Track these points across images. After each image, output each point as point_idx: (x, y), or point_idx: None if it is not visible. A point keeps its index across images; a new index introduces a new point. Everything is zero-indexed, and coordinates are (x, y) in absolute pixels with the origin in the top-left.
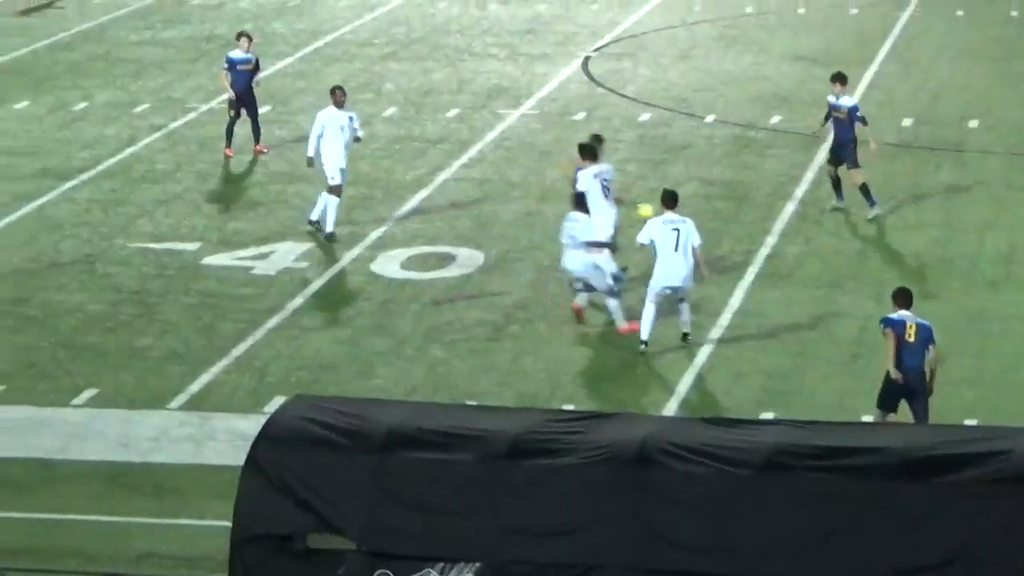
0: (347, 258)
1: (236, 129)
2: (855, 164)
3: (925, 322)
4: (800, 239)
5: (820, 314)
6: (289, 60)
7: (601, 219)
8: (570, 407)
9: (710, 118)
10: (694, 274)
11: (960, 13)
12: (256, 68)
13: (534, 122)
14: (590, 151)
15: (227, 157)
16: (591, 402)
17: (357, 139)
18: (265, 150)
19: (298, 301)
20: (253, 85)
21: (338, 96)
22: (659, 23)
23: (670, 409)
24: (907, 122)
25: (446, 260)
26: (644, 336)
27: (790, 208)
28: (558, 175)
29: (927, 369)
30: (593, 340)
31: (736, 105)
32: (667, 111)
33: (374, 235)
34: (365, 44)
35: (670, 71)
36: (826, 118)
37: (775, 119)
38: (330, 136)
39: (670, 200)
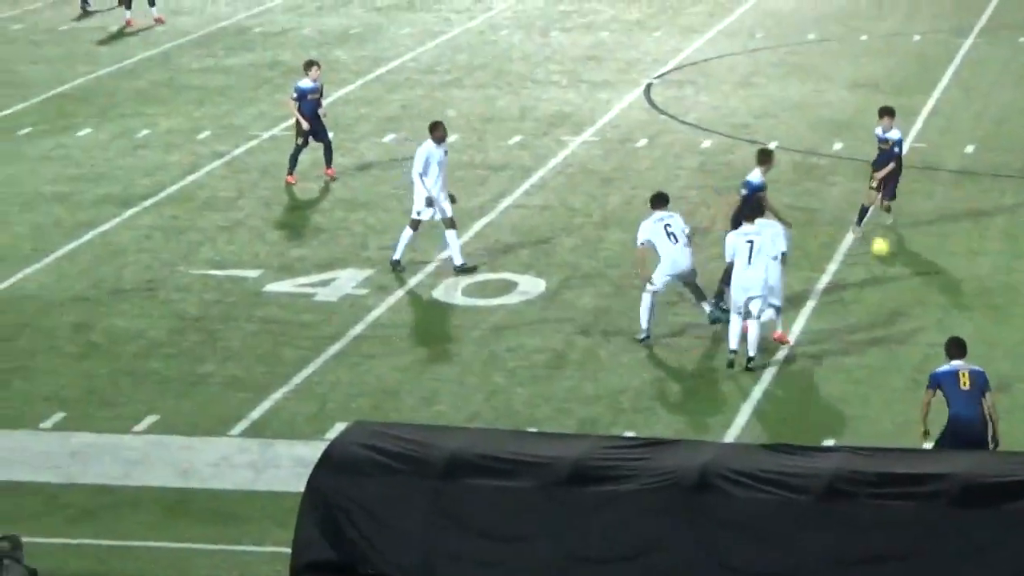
0: (409, 285)
1: (300, 157)
2: (890, 194)
3: (978, 368)
4: (862, 265)
5: (883, 340)
6: (351, 87)
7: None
8: (631, 434)
9: (772, 145)
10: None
11: (1023, 40)
12: (321, 96)
13: (596, 148)
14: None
15: (288, 184)
16: (652, 429)
17: None
18: (335, 175)
19: (360, 328)
20: (321, 114)
21: (440, 132)
22: (721, 50)
23: (731, 436)
24: (970, 148)
25: (508, 287)
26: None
27: (851, 235)
28: (620, 201)
29: (989, 417)
30: (654, 366)
31: (798, 132)
32: (729, 138)
33: (437, 261)
34: (427, 71)
35: (732, 98)
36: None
37: (837, 146)
38: (431, 172)
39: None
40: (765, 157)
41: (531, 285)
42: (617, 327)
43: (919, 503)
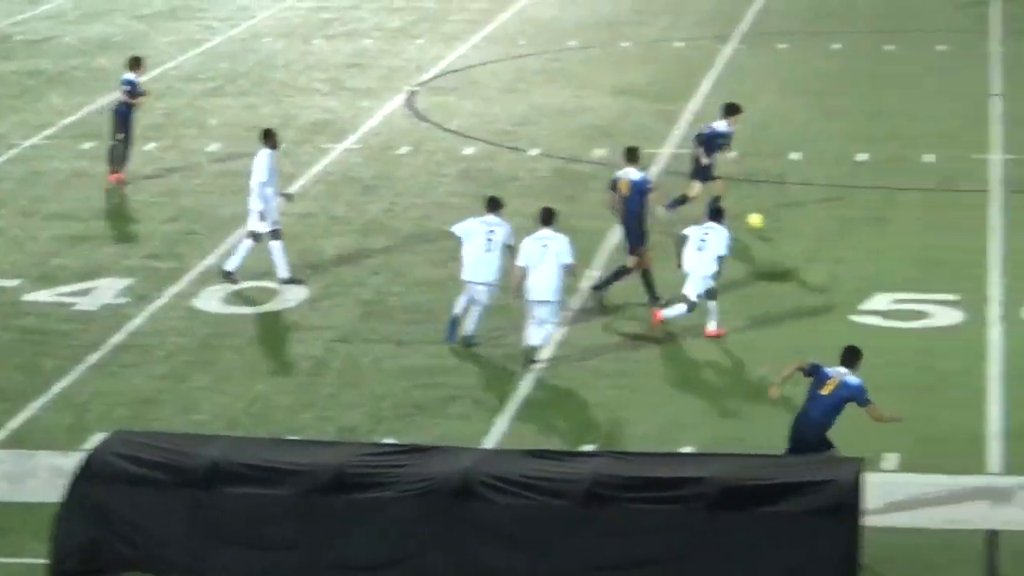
0: (169, 293)
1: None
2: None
3: (856, 383)
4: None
5: (644, 344)
6: (114, 95)
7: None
8: (392, 441)
9: (534, 151)
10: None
11: (782, 47)
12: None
13: (357, 156)
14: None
15: (117, 183)
16: (412, 435)
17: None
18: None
19: (119, 337)
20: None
21: (273, 140)
22: (483, 57)
23: (492, 442)
24: (731, 154)
25: (269, 295)
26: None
27: (613, 240)
28: (381, 209)
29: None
30: (414, 373)
31: (560, 138)
32: (491, 145)
33: (197, 270)
34: (190, 79)
35: (494, 105)
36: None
37: (598, 152)
38: (272, 182)
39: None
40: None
41: (292, 293)
42: (378, 334)
43: (678, 507)
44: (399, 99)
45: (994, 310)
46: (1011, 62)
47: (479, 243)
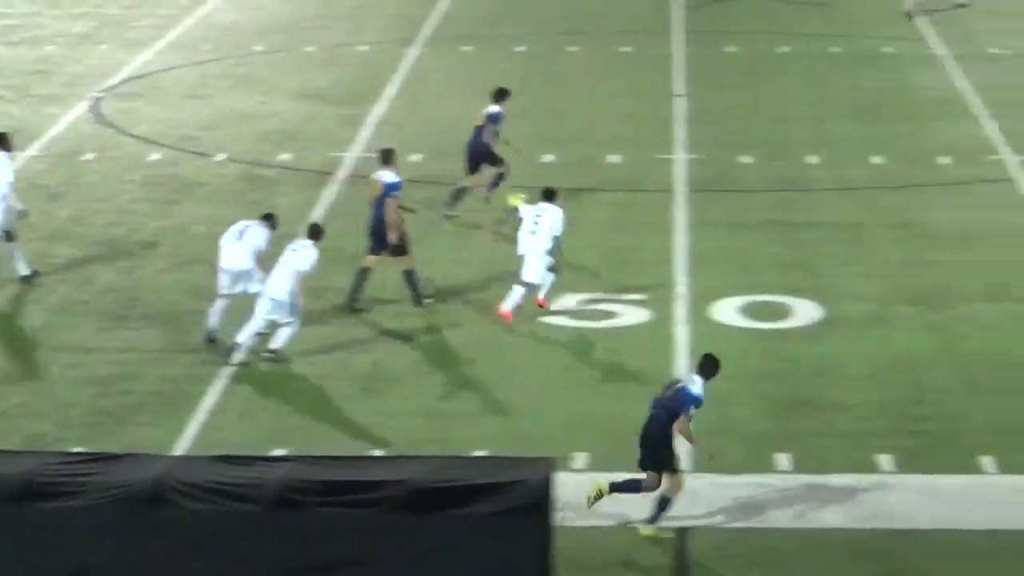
0: None
1: None
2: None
3: (692, 392)
4: (315, 276)
5: (333, 348)
6: None
7: None
8: (81, 449)
9: (220, 156)
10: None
11: (466, 49)
12: None
13: (42, 163)
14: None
15: None
16: (103, 443)
17: None
18: None
19: None
20: None
21: (6, 143)
22: (168, 63)
23: (182, 448)
24: (416, 157)
25: None
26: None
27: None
28: (68, 215)
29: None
30: (104, 381)
31: (245, 143)
32: (177, 151)
33: None
34: None
35: (179, 110)
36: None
37: (284, 156)
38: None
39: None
40: (388, 155)
41: None
42: (66, 342)
43: (370, 510)
44: (83, 105)
45: (680, 309)
46: (692, 63)
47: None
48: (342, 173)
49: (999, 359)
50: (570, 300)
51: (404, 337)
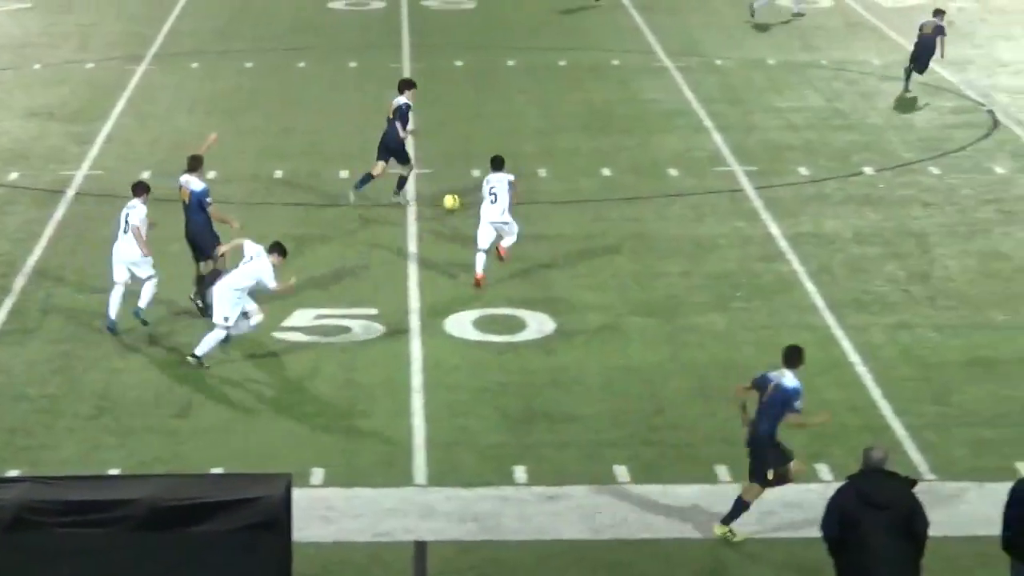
0: None
1: None
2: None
3: (791, 386)
4: (42, 294)
5: (65, 369)
6: None
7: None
8: None
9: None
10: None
11: (194, 66)
12: None
13: None
14: None
15: None
16: None
17: None
18: None
19: None
20: None
21: None
22: None
23: None
24: (146, 174)
25: None
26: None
27: (32, 263)
28: None
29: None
30: None
31: None
32: None
33: None
34: None
35: None
36: None
37: (13, 175)
38: None
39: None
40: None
41: None
42: None
43: (106, 529)
44: None
45: (414, 322)
46: (420, 78)
47: None
48: (72, 191)
49: (730, 368)
50: (304, 315)
51: (143, 353)
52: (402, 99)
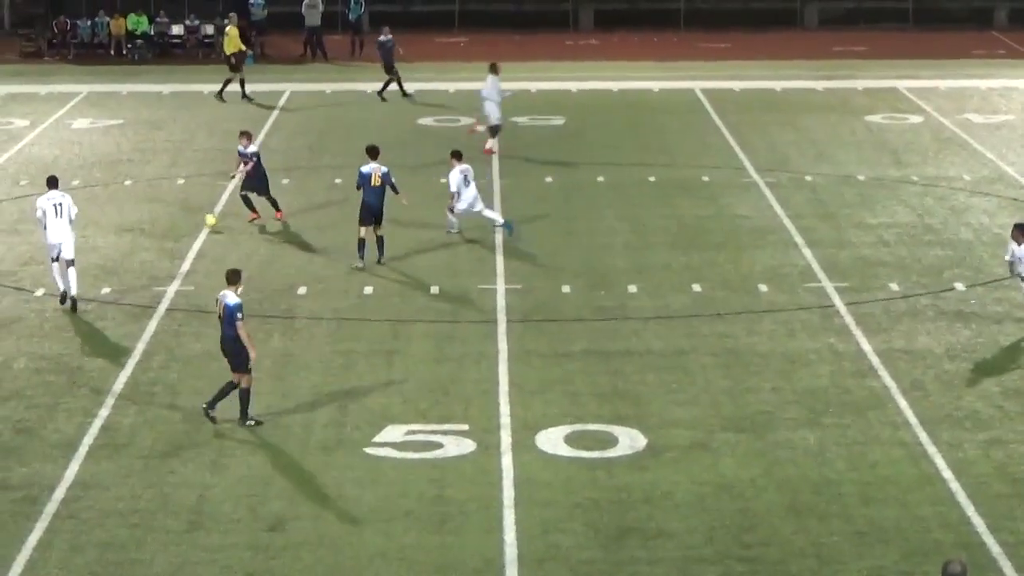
0: None
1: None
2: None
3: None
4: (137, 410)
5: (156, 484)
6: None
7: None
8: None
9: (40, 292)
10: None
11: (285, 182)
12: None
13: None
14: None
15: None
16: None
17: None
18: None
19: None
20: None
21: None
22: None
23: None
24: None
25: None
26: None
27: (124, 378)
28: None
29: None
30: None
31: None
32: None
33: None
34: None
35: None
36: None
37: (105, 290)
38: None
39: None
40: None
41: None
42: None
43: None
44: None
45: (505, 439)
46: (509, 194)
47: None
48: (163, 306)
49: (822, 485)
50: (395, 432)
51: (234, 468)
52: (375, 165)
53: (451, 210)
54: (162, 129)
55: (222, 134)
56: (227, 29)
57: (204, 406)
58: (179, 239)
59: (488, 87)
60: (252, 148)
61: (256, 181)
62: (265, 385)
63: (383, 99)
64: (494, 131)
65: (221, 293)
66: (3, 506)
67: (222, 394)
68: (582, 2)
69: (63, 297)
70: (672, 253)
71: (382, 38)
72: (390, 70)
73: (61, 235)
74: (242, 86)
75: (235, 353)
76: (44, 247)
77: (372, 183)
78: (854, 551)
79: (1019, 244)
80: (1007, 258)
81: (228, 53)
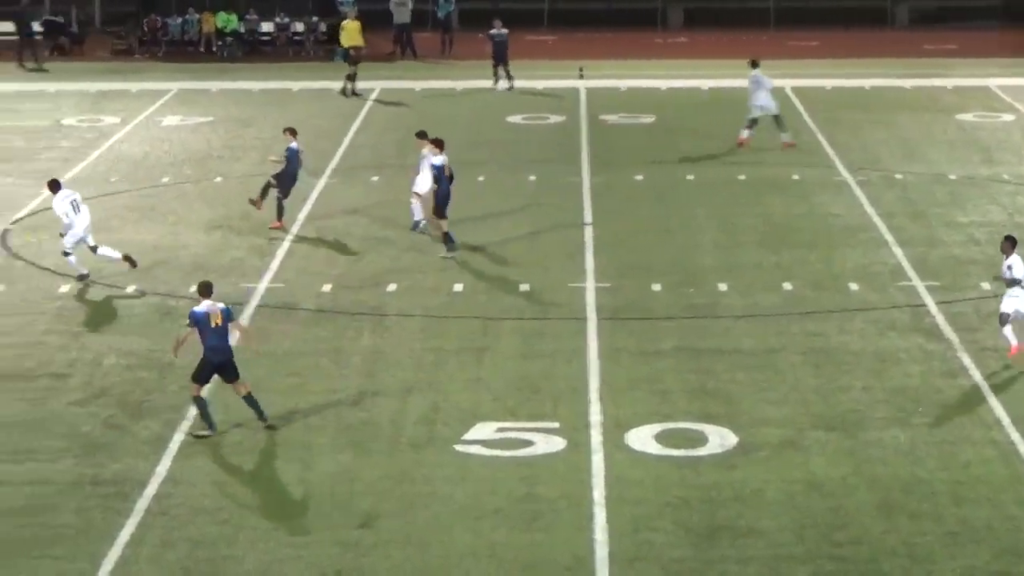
0: None
1: None
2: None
3: (225, 307)
4: (223, 405)
5: (246, 481)
6: None
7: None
8: None
9: (131, 288)
10: None
11: (374, 179)
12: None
13: None
14: None
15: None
16: None
17: None
18: None
19: None
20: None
21: None
22: None
23: None
24: (326, 287)
25: None
26: None
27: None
28: None
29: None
30: (20, 513)
31: (156, 275)
32: (87, 282)
33: None
34: None
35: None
36: None
37: (194, 288)
38: None
39: None
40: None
41: None
42: None
43: None
44: None
45: (595, 437)
46: (599, 192)
47: None
48: (253, 303)
49: (913, 483)
50: (485, 429)
51: (325, 466)
52: (437, 159)
53: None
54: (251, 126)
55: (313, 130)
56: (344, 23)
57: (263, 422)
58: (268, 235)
59: (757, 80)
60: (293, 145)
61: (286, 180)
62: (354, 382)
63: (511, 88)
64: (754, 124)
65: (211, 304)
66: (95, 501)
67: (253, 406)
68: (671, 1)
69: (82, 277)
70: (762, 251)
71: (494, 31)
72: (502, 63)
73: (86, 225)
74: (351, 81)
75: (233, 364)
76: (112, 243)
77: (447, 175)
78: (946, 551)
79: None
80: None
81: (346, 47)
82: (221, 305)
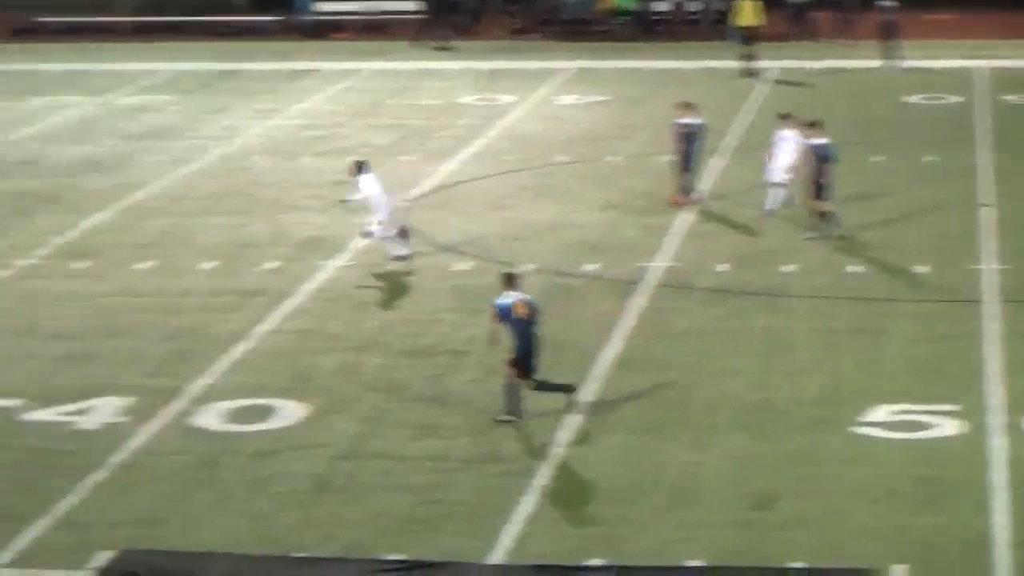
0: (169, 411)
1: None
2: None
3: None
4: (623, 385)
5: (641, 461)
6: (104, 214)
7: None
8: (398, 556)
9: (526, 266)
10: None
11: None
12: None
13: (351, 273)
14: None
15: None
16: (417, 551)
17: None
18: None
19: (121, 456)
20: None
21: None
22: (471, 174)
23: (497, 558)
24: (723, 267)
25: (268, 412)
26: None
27: (610, 354)
28: (377, 325)
29: None
30: (418, 489)
31: (549, 253)
32: (482, 260)
33: (194, 389)
34: (180, 198)
35: (483, 221)
36: None
37: (588, 267)
38: None
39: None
40: (509, 280)
41: (291, 410)
42: (377, 450)
43: None
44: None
45: (996, 420)
46: (1001, 173)
47: None
48: (648, 282)
49: None
50: (882, 411)
51: (719, 446)
52: (818, 140)
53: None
54: (644, 105)
55: (706, 112)
56: (739, 3)
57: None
58: (661, 216)
59: None
60: (687, 120)
61: (686, 158)
62: (749, 363)
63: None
64: None
65: (517, 296)
66: (493, 479)
67: (550, 387)
68: None
69: (401, 258)
70: None
71: (887, 3)
72: (891, 38)
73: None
74: (749, 60)
75: (530, 358)
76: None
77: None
78: None
79: None
80: None
81: (741, 26)
82: (526, 296)
